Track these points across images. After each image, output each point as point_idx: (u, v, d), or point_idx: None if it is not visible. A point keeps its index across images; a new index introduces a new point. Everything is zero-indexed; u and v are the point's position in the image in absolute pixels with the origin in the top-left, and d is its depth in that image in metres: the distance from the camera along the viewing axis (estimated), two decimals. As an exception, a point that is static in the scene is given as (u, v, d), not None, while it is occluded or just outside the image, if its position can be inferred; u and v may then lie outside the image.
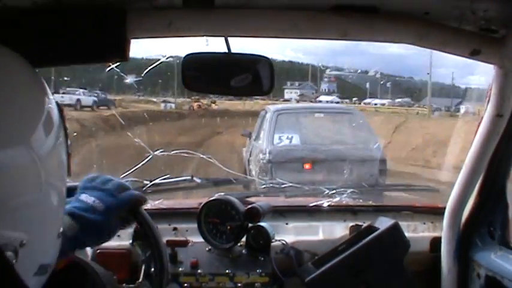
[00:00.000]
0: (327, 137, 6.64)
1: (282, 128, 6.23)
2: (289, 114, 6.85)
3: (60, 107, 0.82)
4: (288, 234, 1.71)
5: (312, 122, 6.97)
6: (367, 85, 30.79)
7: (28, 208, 0.71)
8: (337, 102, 23.16)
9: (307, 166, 5.71)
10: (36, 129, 0.73)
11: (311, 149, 5.96)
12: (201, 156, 2.69)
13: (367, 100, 29.48)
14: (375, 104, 27.35)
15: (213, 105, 19.59)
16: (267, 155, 5.81)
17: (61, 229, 0.82)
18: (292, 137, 6.10)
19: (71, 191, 1.46)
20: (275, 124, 6.24)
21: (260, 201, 1.70)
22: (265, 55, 1.14)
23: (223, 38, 1.09)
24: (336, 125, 6.94)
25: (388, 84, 30.03)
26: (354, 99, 28.67)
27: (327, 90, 35.75)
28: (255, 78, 1.13)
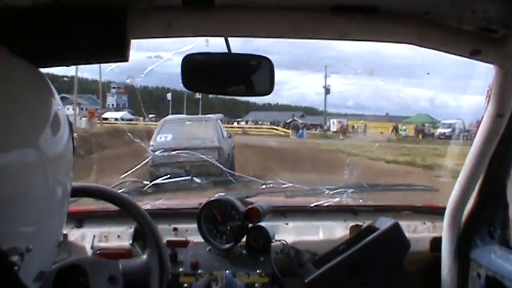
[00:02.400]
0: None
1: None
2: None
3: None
4: (288, 234, 1.71)
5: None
6: (169, 97, 24.81)
7: (34, 208, 0.72)
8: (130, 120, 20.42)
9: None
10: (43, 130, 0.73)
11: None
12: (201, 156, 2.69)
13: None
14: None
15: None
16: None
17: (61, 238, 0.84)
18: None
19: (77, 192, 1.48)
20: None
21: (260, 201, 1.70)
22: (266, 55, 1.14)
23: (223, 38, 1.10)
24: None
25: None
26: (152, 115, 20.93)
27: (115, 105, 32.08)
28: (255, 78, 1.13)
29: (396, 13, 1.06)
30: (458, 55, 1.13)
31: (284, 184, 2.31)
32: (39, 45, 0.93)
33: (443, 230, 1.59)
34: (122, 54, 0.99)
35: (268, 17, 1.06)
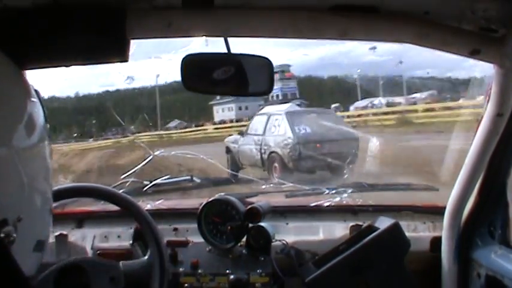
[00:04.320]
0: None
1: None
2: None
3: (43, 107, 0.85)
4: (288, 234, 1.71)
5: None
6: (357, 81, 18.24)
7: (22, 191, 0.76)
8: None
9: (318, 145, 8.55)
10: (17, 130, 0.76)
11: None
12: (201, 156, 2.70)
13: (361, 103, 17.98)
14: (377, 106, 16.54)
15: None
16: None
17: (52, 205, 0.87)
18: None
19: (77, 192, 1.48)
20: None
21: (260, 201, 1.70)
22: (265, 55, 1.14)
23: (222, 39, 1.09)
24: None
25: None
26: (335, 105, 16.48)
27: (281, 97, 22.65)
28: (255, 78, 1.13)
29: (396, 13, 1.06)
30: (458, 55, 1.13)
31: (284, 184, 2.31)
32: (38, 45, 0.93)
33: (443, 229, 1.59)
34: (121, 55, 0.99)
35: (268, 17, 1.06)
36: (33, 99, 0.82)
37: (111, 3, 0.96)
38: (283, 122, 8.97)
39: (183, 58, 1.12)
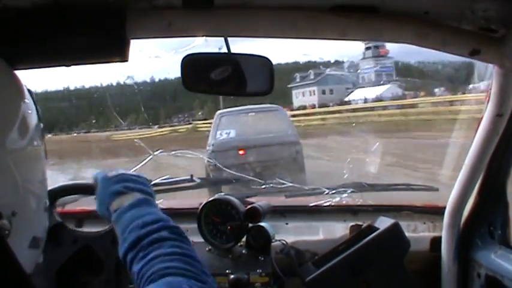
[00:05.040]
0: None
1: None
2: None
3: (36, 105, 0.85)
4: (288, 234, 1.71)
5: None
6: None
7: (16, 187, 0.76)
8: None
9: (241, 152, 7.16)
10: (11, 131, 0.76)
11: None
12: (201, 156, 2.69)
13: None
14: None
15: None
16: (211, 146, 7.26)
17: (47, 203, 0.87)
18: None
19: (77, 190, 1.50)
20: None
21: (260, 201, 1.70)
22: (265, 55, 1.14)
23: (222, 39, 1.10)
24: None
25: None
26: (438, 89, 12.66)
27: (374, 78, 17.88)
28: (255, 78, 1.13)
29: (395, 13, 1.06)
30: (458, 55, 1.13)
31: (284, 184, 2.31)
32: (38, 45, 0.93)
33: (443, 229, 1.59)
34: (121, 55, 0.99)
35: (268, 17, 1.06)
36: (26, 100, 0.82)
37: (111, 3, 0.96)
38: (213, 124, 7.71)
39: (183, 58, 1.12)
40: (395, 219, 1.60)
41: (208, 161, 6.34)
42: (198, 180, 2.13)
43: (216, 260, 1.60)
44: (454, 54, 1.13)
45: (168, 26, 1.02)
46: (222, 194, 1.74)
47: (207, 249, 1.63)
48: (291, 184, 2.35)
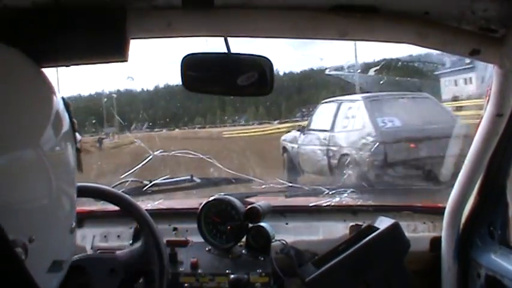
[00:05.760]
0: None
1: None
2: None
3: (67, 104, 0.83)
4: (288, 234, 1.71)
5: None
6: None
7: (38, 210, 0.71)
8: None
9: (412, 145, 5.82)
10: (45, 130, 0.73)
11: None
12: (201, 156, 2.69)
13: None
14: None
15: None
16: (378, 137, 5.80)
17: (73, 224, 0.82)
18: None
19: (84, 192, 1.48)
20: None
21: (260, 201, 1.70)
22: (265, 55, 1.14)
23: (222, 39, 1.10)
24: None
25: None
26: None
27: None
28: (255, 78, 1.13)
29: (396, 13, 1.06)
30: (458, 55, 1.13)
31: (284, 184, 2.31)
32: (38, 45, 0.93)
33: (443, 229, 1.59)
34: (121, 54, 0.99)
35: (268, 17, 1.06)
36: (56, 101, 0.79)
37: (111, 3, 0.96)
38: (360, 111, 6.15)
39: (183, 58, 1.12)
40: (395, 219, 1.60)
41: (371, 155, 5.52)
42: (198, 180, 2.14)
43: (216, 260, 1.60)
44: (454, 54, 1.14)
45: (168, 26, 1.02)
46: (222, 194, 1.74)
47: (207, 249, 1.64)
48: (291, 184, 2.35)
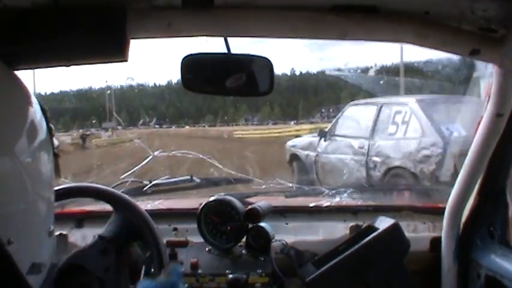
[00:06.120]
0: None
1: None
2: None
3: (44, 109, 0.82)
4: (288, 234, 1.71)
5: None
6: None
7: (15, 215, 0.71)
8: None
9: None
10: (20, 135, 0.73)
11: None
12: (201, 156, 2.69)
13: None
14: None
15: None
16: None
17: (51, 228, 0.83)
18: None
19: (77, 192, 1.48)
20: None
21: (260, 201, 1.70)
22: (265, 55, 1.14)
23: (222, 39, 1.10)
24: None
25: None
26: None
27: None
28: (255, 78, 1.13)
29: (395, 13, 1.06)
30: (458, 54, 1.13)
31: (284, 184, 2.31)
32: (38, 45, 0.93)
33: (443, 229, 1.59)
34: (121, 55, 0.99)
35: (268, 17, 1.06)
36: (31, 103, 0.79)
37: (111, 3, 0.96)
38: (415, 116, 5.19)
39: (183, 58, 1.12)
40: (395, 219, 1.60)
41: (437, 169, 4.56)
42: (198, 180, 2.14)
43: (216, 260, 1.60)
44: (454, 54, 1.14)
45: (168, 26, 1.02)
46: (222, 194, 1.74)
47: (206, 249, 1.63)
48: (290, 184, 2.35)
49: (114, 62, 1.01)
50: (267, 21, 1.06)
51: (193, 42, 1.17)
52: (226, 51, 1.10)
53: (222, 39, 1.09)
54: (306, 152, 6.28)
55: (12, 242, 0.68)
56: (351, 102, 6.56)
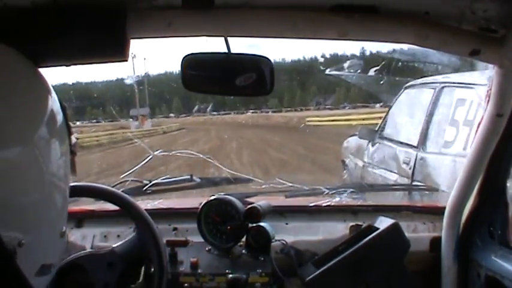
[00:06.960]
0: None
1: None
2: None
3: (63, 105, 0.83)
4: (288, 234, 1.71)
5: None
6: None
7: (30, 208, 0.71)
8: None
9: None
10: (39, 128, 0.73)
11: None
12: (201, 156, 2.69)
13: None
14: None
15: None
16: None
17: (64, 228, 0.82)
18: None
19: (77, 192, 1.48)
20: None
21: (260, 201, 1.70)
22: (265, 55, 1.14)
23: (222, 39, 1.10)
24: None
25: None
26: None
27: None
28: (255, 78, 1.13)
29: (396, 13, 1.06)
30: (458, 55, 1.13)
31: (284, 184, 2.30)
32: (38, 45, 0.93)
33: (443, 230, 1.59)
34: (121, 54, 0.99)
35: (268, 17, 1.06)
36: (52, 98, 0.79)
37: (111, 3, 0.96)
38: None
39: (183, 58, 1.12)
40: (395, 219, 1.60)
41: None
42: (198, 180, 2.13)
43: (216, 260, 1.60)
44: (454, 54, 1.14)
45: (168, 26, 1.03)
46: (222, 193, 1.74)
47: (206, 249, 1.64)
48: (290, 184, 2.35)
49: (114, 61, 1.01)
50: (267, 21, 1.06)
51: (194, 42, 1.17)
52: (226, 51, 1.10)
53: (222, 39, 1.09)
54: (355, 160, 4.48)
55: (23, 244, 0.68)
56: (408, 84, 4.16)
